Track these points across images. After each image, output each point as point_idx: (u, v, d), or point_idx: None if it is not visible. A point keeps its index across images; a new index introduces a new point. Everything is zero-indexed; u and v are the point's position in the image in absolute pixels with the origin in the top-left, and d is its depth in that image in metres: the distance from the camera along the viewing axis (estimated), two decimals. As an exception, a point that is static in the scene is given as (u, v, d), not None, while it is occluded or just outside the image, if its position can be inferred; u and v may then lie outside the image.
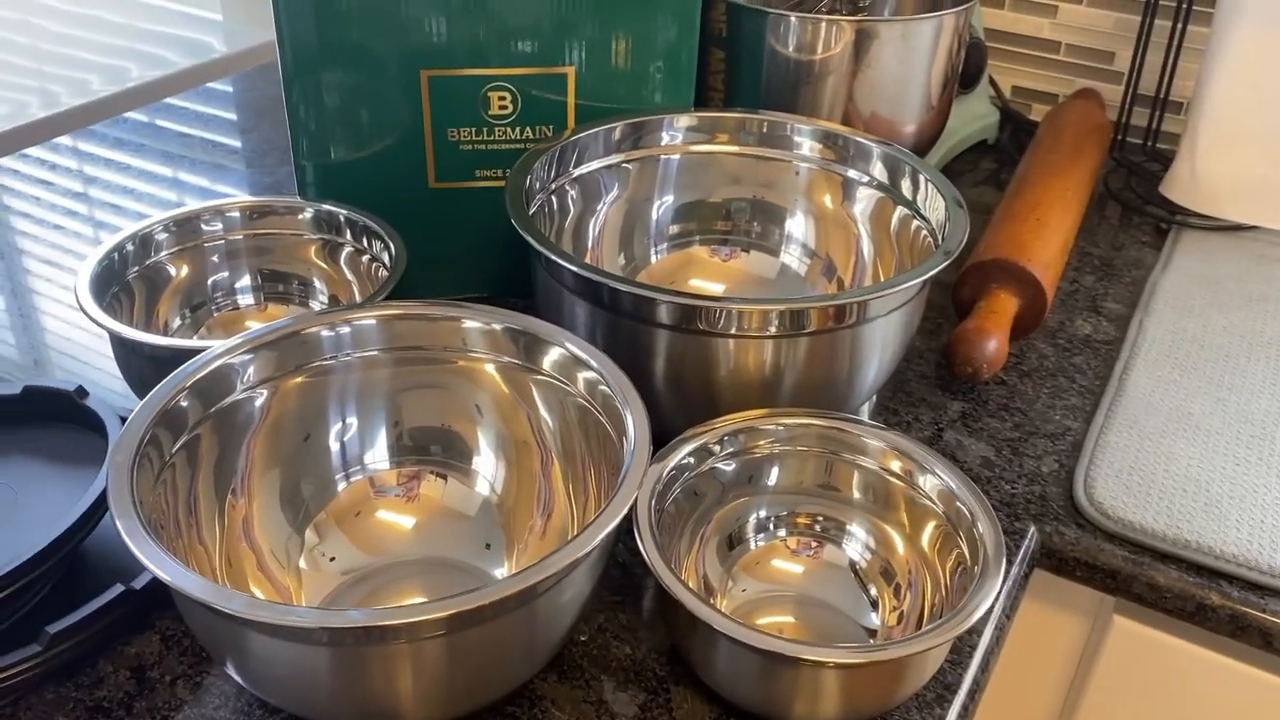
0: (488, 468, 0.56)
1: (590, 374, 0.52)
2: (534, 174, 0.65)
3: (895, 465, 0.54)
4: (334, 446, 0.55)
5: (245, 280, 0.67)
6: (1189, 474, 0.64)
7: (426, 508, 0.55)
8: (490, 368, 0.55)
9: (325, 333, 0.53)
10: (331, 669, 0.42)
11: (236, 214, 0.67)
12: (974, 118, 1.02)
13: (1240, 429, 0.67)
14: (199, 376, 0.49)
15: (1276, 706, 0.62)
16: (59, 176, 0.93)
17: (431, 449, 0.55)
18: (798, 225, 0.73)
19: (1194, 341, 0.76)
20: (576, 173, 0.70)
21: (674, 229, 0.74)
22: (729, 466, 0.56)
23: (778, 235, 0.73)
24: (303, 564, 0.53)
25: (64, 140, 0.99)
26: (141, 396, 0.61)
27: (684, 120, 0.72)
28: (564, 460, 0.55)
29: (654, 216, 0.73)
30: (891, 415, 0.69)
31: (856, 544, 0.55)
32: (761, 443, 0.56)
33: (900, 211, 0.68)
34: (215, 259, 0.67)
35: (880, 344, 0.60)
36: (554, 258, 0.57)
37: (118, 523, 0.42)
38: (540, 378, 0.54)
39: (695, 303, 0.57)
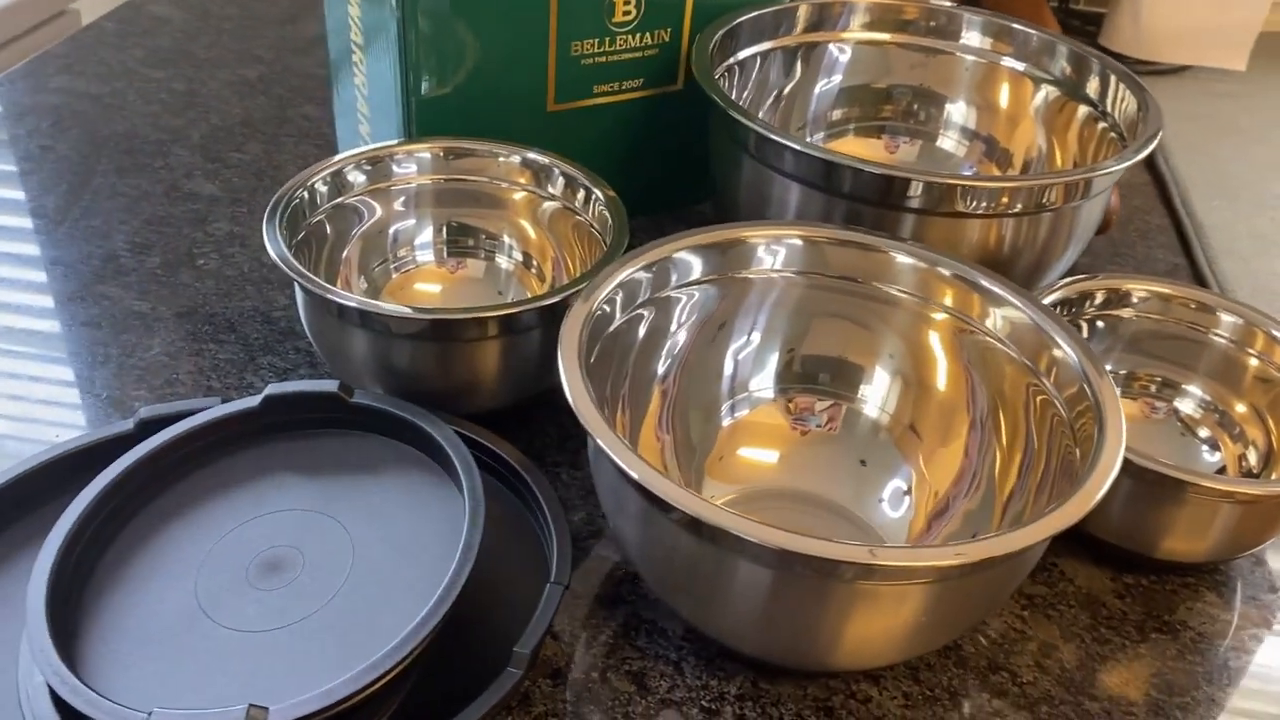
0: (877, 399, 0.53)
1: (1060, 354, 0.47)
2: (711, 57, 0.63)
3: (1243, 334, 0.57)
4: (729, 361, 0.52)
5: (428, 233, 0.59)
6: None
7: (806, 438, 0.52)
8: (919, 310, 0.51)
9: (762, 248, 0.51)
10: (832, 605, 0.39)
11: (428, 155, 0.58)
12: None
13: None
14: (647, 260, 0.49)
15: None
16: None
17: (820, 377, 0.52)
18: (959, 112, 0.73)
19: (1217, 171, 0.84)
20: (740, 56, 0.67)
21: (836, 114, 0.72)
22: (1082, 324, 0.58)
23: (938, 123, 0.73)
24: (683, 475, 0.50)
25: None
26: (332, 363, 0.53)
27: (860, 8, 0.70)
28: (985, 428, 0.50)
29: (813, 104, 0.72)
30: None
31: (1192, 402, 0.58)
32: (1120, 307, 0.58)
33: (1083, 109, 0.68)
34: (400, 205, 0.59)
35: (1088, 221, 0.62)
36: (782, 140, 0.56)
37: (608, 451, 0.37)
38: (981, 338, 0.50)
39: (954, 182, 0.56)
